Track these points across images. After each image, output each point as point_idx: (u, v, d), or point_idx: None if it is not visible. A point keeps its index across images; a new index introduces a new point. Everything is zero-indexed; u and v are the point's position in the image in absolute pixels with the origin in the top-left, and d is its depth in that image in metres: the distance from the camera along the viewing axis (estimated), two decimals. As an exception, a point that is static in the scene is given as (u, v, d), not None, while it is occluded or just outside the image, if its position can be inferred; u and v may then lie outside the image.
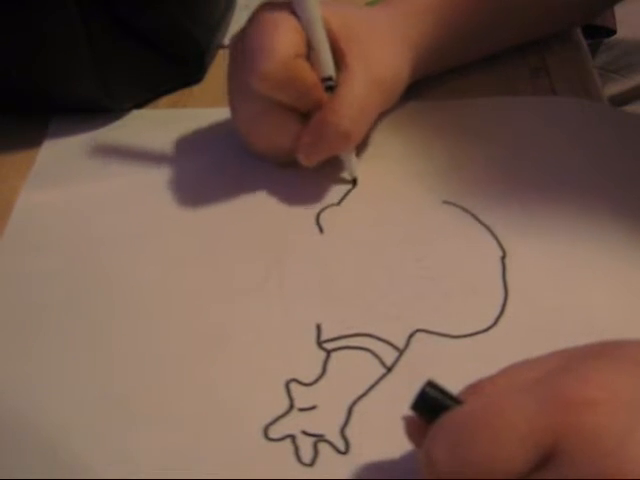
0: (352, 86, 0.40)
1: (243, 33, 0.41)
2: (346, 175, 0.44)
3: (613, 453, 0.23)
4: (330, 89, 0.40)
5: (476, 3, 0.46)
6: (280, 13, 0.39)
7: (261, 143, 0.43)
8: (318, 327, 0.37)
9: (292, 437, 0.33)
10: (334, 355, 0.36)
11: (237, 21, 0.58)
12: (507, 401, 0.25)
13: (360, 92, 0.40)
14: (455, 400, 0.27)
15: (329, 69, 0.40)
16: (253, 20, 0.40)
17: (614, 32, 0.83)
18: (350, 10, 0.43)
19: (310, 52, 0.39)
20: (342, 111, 0.39)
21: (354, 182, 0.44)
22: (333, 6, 0.40)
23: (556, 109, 0.47)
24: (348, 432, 0.33)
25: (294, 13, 0.39)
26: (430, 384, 0.28)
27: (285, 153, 0.43)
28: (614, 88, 0.85)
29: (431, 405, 0.27)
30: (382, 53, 0.41)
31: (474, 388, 0.28)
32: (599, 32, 0.83)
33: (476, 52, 0.49)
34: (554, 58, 0.51)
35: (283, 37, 0.38)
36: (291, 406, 0.34)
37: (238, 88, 0.41)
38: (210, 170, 0.46)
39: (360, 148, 0.45)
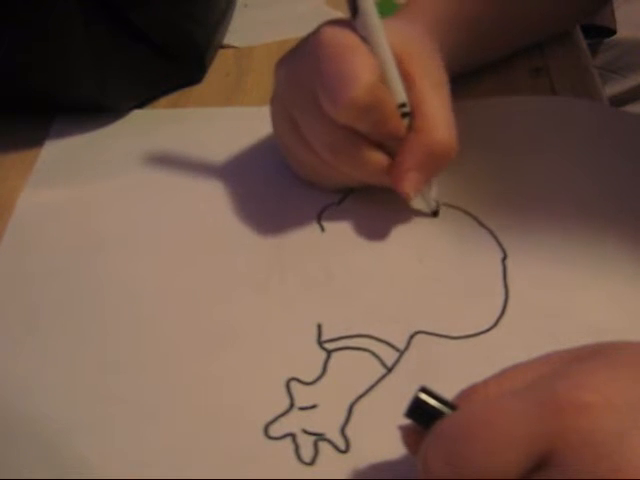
0: (433, 103, 0.38)
1: (302, 54, 0.39)
2: (423, 208, 0.42)
3: (608, 456, 0.23)
4: (405, 115, 0.38)
5: (490, 9, 0.46)
6: (349, 36, 0.37)
7: (330, 173, 0.41)
8: (319, 327, 0.37)
9: (292, 436, 0.33)
10: (334, 355, 0.36)
11: (237, 21, 0.58)
12: (501, 407, 0.25)
13: (442, 107, 0.39)
14: (449, 405, 0.27)
15: (403, 95, 0.38)
16: (320, 44, 0.37)
17: (614, 32, 0.83)
18: (397, 26, 0.40)
19: (382, 78, 0.38)
20: (439, 127, 0.38)
21: (435, 214, 0.42)
22: (385, 24, 0.38)
23: (556, 109, 0.47)
24: (348, 431, 0.33)
25: (360, 36, 0.37)
26: (423, 390, 0.28)
27: (351, 183, 0.42)
28: (614, 88, 0.85)
29: (425, 412, 0.27)
30: (438, 68, 0.40)
31: (468, 393, 0.28)
32: (599, 32, 0.83)
33: (489, 56, 0.49)
34: (554, 58, 0.51)
35: (363, 62, 0.36)
36: (291, 405, 0.34)
37: (305, 113, 0.39)
38: (210, 169, 0.46)
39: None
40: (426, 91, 0.39)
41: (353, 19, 0.37)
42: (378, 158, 0.39)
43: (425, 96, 0.39)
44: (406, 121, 0.39)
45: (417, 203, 0.42)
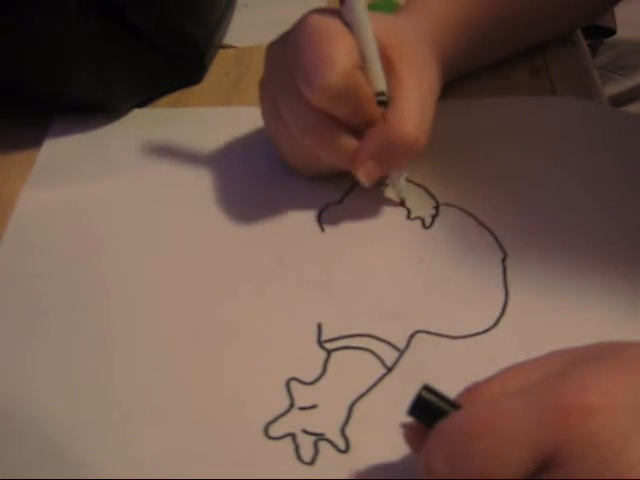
0: (409, 95, 0.39)
1: (289, 39, 0.39)
2: (393, 196, 0.43)
3: (613, 459, 0.23)
4: (382, 104, 0.39)
5: (489, 11, 0.46)
6: (333, 22, 0.38)
7: (303, 156, 0.42)
8: (319, 327, 0.37)
9: (292, 436, 0.33)
10: (335, 355, 0.36)
11: (237, 21, 0.58)
12: (505, 408, 0.25)
13: (418, 101, 0.39)
14: (452, 404, 0.27)
15: (381, 83, 0.39)
16: (304, 28, 0.38)
17: (614, 32, 0.83)
18: (390, 20, 0.41)
19: (362, 65, 0.38)
20: (406, 120, 0.38)
21: (402, 203, 0.42)
22: (377, 16, 0.39)
23: (556, 109, 0.47)
24: (348, 431, 0.33)
25: (345, 23, 0.38)
26: (426, 388, 0.28)
27: (323, 169, 0.42)
28: (614, 88, 0.85)
29: (428, 410, 0.27)
30: (425, 62, 0.40)
31: (471, 392, 0.28)
32: (599, 32, 0.83)
33: (488, 58, 0.49)
34: (554, 58, 0.51)
35: (342, 48, 0.37)
36: (292, 405, 0.34)
37: (284, 97, 0.39)
38: (210, 169, 0.46)
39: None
40: (406, 82, 0.39)
41: (341, 5, 0.38)
42: (351, 143, 0.39)
43: (403, 87, 0.39)
44: (382, 109, 0.39)
45: (388, 191, 0.43)
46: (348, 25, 0.38)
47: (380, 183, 0.43)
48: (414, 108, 0.39)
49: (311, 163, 0.42)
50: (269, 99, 0.41)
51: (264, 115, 0.43)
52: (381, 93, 0.39)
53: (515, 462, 0.24)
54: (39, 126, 0.50)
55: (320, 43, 0.37)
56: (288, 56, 0.39)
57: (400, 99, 0.39)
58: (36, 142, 0.49)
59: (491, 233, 0.40)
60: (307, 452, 0.32)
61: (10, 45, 0.45)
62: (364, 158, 0.39)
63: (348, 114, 0.38)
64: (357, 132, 0.39)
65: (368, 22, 0.38)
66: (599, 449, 0.24)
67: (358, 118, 0.39)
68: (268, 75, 0.41)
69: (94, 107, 0.50)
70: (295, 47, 0.38)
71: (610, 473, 0.23)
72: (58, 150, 0.48)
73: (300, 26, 0.39)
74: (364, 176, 0.40)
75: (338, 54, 0.37)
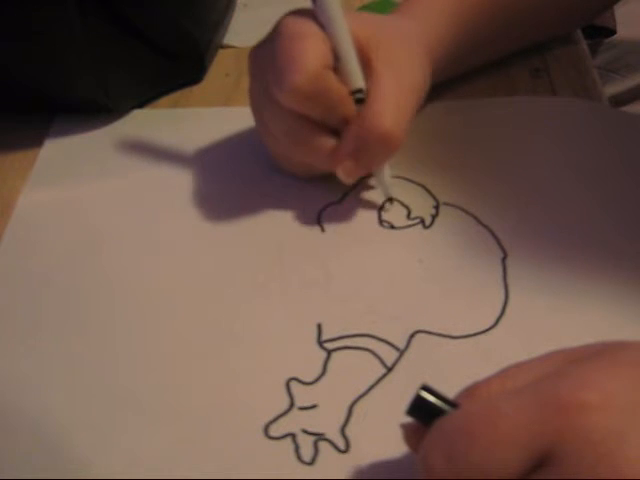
0: (385, 90, 0.38)
1: (267, 43, 0.39)
2: (380, 196, 0.43)
3: (608, 456, 0.23)
4: (360, 101, 0.39)
5: (488, 10, 0.46)
6: (305, 23, 0.38)
7: (289, 158, 0.42)
8: (319, 327, 0.37)
9: (292, 436, 0.33)
10: (335, 355, 0.36)
11: (237, 21, 0.58)
12: (503, 407, 0.25)
13: (395, 97, 0.39)
14: (450, 403, 0.27)
15: (358, 81, 0.39)
16: (278, 30, 0.38)
17: (614, 32, 0.83)
18: (372, 18, 0.42)
19: (338, 64, 0.38)
20: (383, 116, 0.38)
21: (390, 201, 0.42)
22: (356, 15, 0.39)
23: (556, 109, 0.47)
24: (348, 431, 0.33)
25: (319, 23, 0.38)
26: (425, 388, 0.28)
27: (313, 169, 0.42)
28: (614, 88, 0.85)
29: (426, 409, 0.27)
30: (407, 59, 0.40)
31: (469, 391, 0.28)
32: (599, 32, 0.83)
33: (487, 57, 0.49)
34: (554, 58, 0.51)
35: (310, 49, 0.37)
36: (291, 405, 0.34)
37: (264, 101, 0.40)
38: (210, 169, 0.46)
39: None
40: (383, 79, 0.39)
41: (313, 5, 0.38)
42: (328, 143, 0.39)
43: (380, 84, 0.39)
44: (360, 107, 0.39)
45: (374, 192, 0.43)
46: (322, 25, 0.38)
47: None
48: (391, 105, 0.38)
49: (299, 165, 0.43)
50: (254, 104, 0.42)
51: (255, 119, 0.43)
52: (358, 90, 0.39)
53: (512, 460, 0.24)
54: (39, 126, 0.50)
55: (290, 45, 0.37)
56: (264, 60, 0.39)
57: (377, 96, 0.38)
58: (36, 142, 0.49)
59: (491, 233, 0.40)
60: (307, 452, 0.32)
61: (10, 45, 0.45)
62: (342, 157, 0.39)
63: (322, 114, 0.38)
64: (337, 132, 0.39)
65: (341, 20, 0.38)
66: (595, 446, 0.24)
67: (334, 117, 0.39)
68: (251, 79, 0.42)
69: (94, 107, 0.50)
70: (270, 52, 0.38)
71: (607, 471, 0.23)
72: (58, 150, 0.48)
73: (275, 29, 0.39)
74: (344, 175, 0.40)
75: (307, 55, 0.37)
